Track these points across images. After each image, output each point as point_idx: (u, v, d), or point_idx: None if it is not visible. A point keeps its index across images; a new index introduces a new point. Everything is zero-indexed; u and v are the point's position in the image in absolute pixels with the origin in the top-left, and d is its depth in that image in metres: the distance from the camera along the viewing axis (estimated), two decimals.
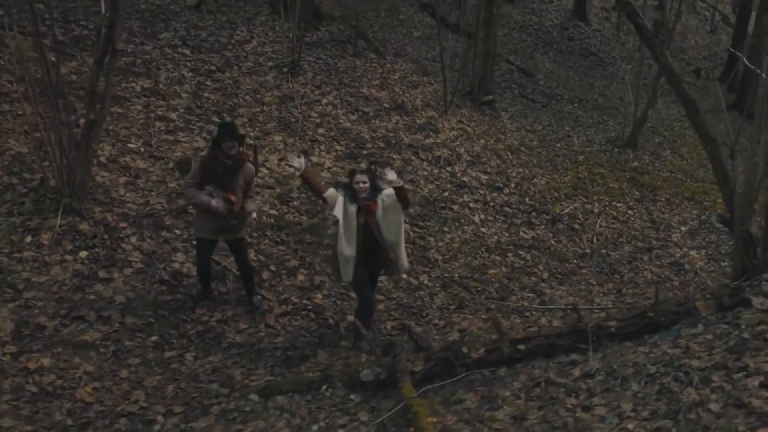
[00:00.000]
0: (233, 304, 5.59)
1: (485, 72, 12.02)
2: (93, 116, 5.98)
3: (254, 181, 5.53)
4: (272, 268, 6.17)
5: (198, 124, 7.88)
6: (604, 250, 8.05)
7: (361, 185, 4.88)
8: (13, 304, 4.88)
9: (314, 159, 8.03)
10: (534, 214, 8.66)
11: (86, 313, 5.00)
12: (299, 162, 4.99)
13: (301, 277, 6.16)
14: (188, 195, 5.15)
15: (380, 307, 5.96)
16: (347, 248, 4.89)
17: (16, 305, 4.89)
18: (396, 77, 10.84)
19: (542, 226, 8.41)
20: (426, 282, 6.53)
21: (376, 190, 4.95)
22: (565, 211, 8.92)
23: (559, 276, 7.17)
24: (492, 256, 7.41)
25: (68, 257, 5.49)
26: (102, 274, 5.46)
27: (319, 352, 5.00)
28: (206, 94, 8.50)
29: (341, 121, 9.01)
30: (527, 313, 5.90)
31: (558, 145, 11.82)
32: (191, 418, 4.10)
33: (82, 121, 7.21)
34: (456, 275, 6.75)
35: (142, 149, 7.16)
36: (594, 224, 8.76)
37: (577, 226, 8.58)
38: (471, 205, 8.37)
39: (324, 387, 4.18)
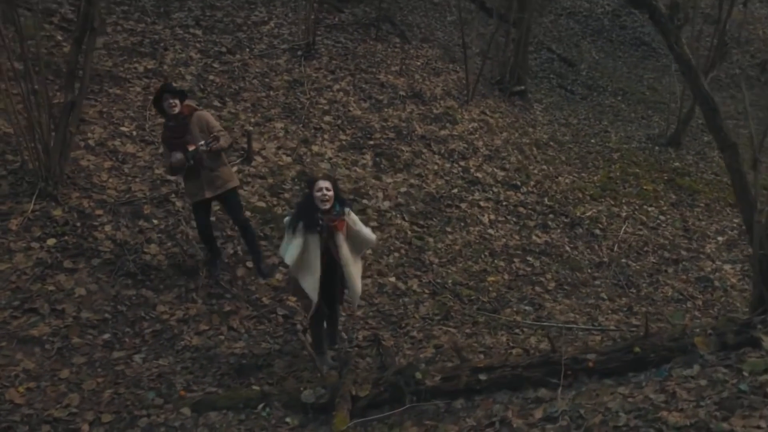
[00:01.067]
0: (200, 302, 5.28)
1: (518, 60, 11.31)
2: (71, 98, 5.74)
3: (214, 121, 5.41)
4: (249, 264, 5.83)
5: (198, 108, 7.58)
6: (624, 260, 7.36)
7: (325, 193, 4.16)
8: None
9: (315, 149, 7.63)
10: (551, 216, 8.02)
11: (40, 306, 4.78)
12: None
13: (278, 276, 5.80)
14: (163, 164, 5.33)
15: (358, 313, 5.54)
16: (313, 287, 4.23)
17: None
18: (418, 64, 10.29)
19: (558, 230, 7.77)
20: (415, 287, 6.07)
21: (341, 203, 4.31)
22: (587, 213, 8.23)
23: (567, 287, 6.56)
24: (495, 261, 6.86)
25: (35, 245, 5.29)
26: (67, 263, 5.24)
27: (276, 362, 4.63)
28: (211, 77, 8.21)
29: (351, 108, 8.57)
30: (517, 330, 5.36)
31: (592, 140, 11.03)
32: (116, 429, 3.81)
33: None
34: (450, 281, 6.25)
35: (134, 133, 6.93)
36: (618, 230, 8.05)
37: (597, 231, 7.90)
38: (481, 203, 7.80)
39: (261, 406, 3.81)
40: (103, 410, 4.00)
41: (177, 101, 5.15)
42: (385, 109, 8.80)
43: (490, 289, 6.27)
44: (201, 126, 5.23)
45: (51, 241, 5.35)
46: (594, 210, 8.39)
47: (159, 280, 5.39)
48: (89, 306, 4.94)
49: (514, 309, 5.88)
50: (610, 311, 6.00)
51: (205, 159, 5.19)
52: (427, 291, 6.06)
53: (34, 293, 4.88)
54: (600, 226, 8.03)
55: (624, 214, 8.57)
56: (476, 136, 9.09)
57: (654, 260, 7.48)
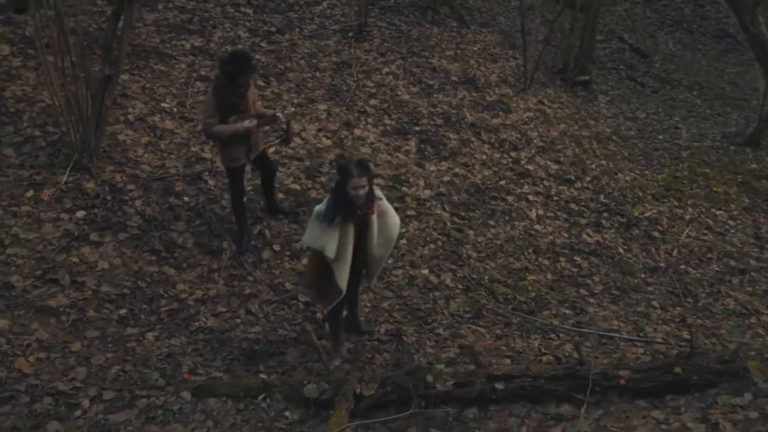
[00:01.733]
0: (221, 283, 5.14)
1: (583, 48, 10.66)
2: (107, 72, 5.70)
3: (256, 93, 5.61)
4: (276, 247, 5.66)
5: None
6: (683, 266, 6.75)
7: (360, 193, 3.83)
8: None
9: (357, 132, 7.38)
10: (606, 214, 7.47)
11: (61, 277, 4.76)
12: None
13: (305, 261, 5.59)
14: (218, 131, 5.10)
15: (384, 305, 5.27)
16: (344, 277, 4.05)
17: None
18: (475, 49, 9.83)
19: (612, 230, 7.22)
20: (448, 282, 5.73)
21: (372, 196, 4.00)
22: (646, 214, 7.62)
23: (615, 292, 6.06)
24: (539, 259, 6.42)
25: (64, 216, 5.29)
26: (93, 236, 5.21)
27: (290, 351, 4.43)
28: (258, 56, 8.08)
29: (399, 92, 8.25)
30: (552, 335, 4.95)
31: (660, 137, 10.28)
32: (115, 408, 3.70)
33: (123, 77, 7.09)
34: (486, 277, 5.87)
35: (174, 110, 6.88)
36: (679, 233, 7.41)
37: (656, 234, 7.29)
38: (530, 197, 7.34)
39: (261, 397, 3.60)
40: (107, 387, 3.90)
41: (251, 76, 5.30)
42: (435, 95, 8.44)
43: (530, 288, 5.85)
44: (252, 96, 5.34)
45: (80, 213, 5.34)
46: (654, 210, 7.76)
47: (182, 258, 5.29)
48: (110, 280, 4.88)
49: (553, 312, 5.45)
50: (660, 321, 5.47)
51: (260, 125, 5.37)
52: (460, 286, 5.71)
53: (57, 264, 4.86)
54: (659, 228, 7.42)
55: (688, 217, 7.90)
56: (531, 126, 8.59)
57: (717, 268, 6.83)
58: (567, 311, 5.46)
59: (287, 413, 3.48)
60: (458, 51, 9.49)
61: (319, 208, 4.05)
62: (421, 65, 8.91)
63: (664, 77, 12.76)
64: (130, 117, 6.54)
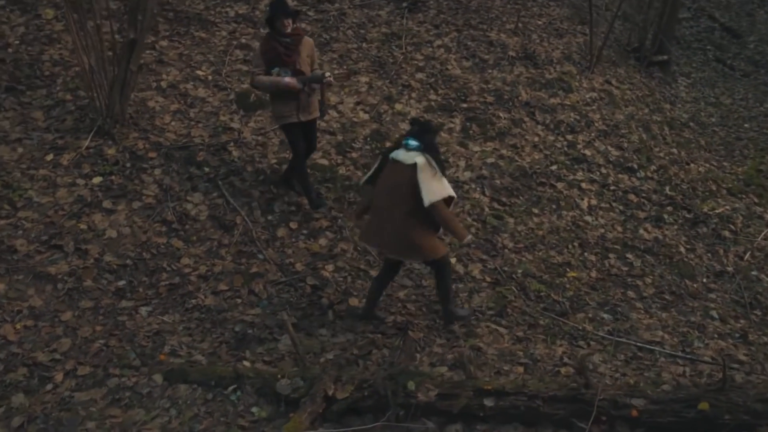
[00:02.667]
0: (228, 259, 4.90)
1: (662, 25, 9.64)
2: (133, 36, 5.52)
3: (316, 52, 5.44)
4: (292, 225, 5.35)
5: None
6: (755, 272, 5.92)
7: None
8: (1, 222, 4.70)
9: (398, 107, 6.93)
10: (669, 208, 6.68)
11: (66, 243, 4.65)
12: None
13: (322, 241, 5.26)
14: (261, 83, 5.05)
15: (400, 294, 4.86)
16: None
17: (5, 223, 4.69)
18: (540, 23, 9.07)
19: (675, 227, 6.45)
20: (476, 273, 5.23)
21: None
22: (718, 210, 6.76)
23: (669, 297, 5.36)
24: (585, 254, 5.79)
25: (80, 181, 5.19)
26: (106, 204, 5.08)
27: (283, 338, 4.11)
28: (303, 25, 7.74)
29: (449, 67, 7.70)
30: (581, 342, 4.38)
31: (747, 125, 9.21)
32: (85, 385, 3.51)
33: (161, 43, 6.96)
34: (520, 271, 5.33)
35: (209, 77, 6.68)
36: (756, 234, 6.53)
37: (727, 234, 6.45)
38: (583, 185, 6.66)
39: (231, 388, 3.31)
40: (85, 361, 3.74)
41: (290, 21, 5.04)
42: (489, 70, 7.82)
43: (568, 286, 5.26)
44: (308, 52, 5.20)
45: (97, 180, 5.23)
46: (728, 207, 6.87)
47: (193, 231, 5.08)
48: (114, 250, 4.73)
49: (589, 315, 4.86)
50: (716, 335, 4.76)
51: (311, 86, 5.18)
52: (488, 279, 5.20)
53: (65, 230, 4.76)
54: (732, 227, 6.56)
55: None
56: (593, 107, 7.82)
57: None
58: (606, 315, 4.85)
59: (255, 409, 3.17)
60: (520, 24, 8.78)
61: (426, 162, 4.09)
62: (477, 38, 8.30)
63: (758, 60, 11.44)
64: (163, 84, 6.38)
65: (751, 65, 11.33)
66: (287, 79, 4.98)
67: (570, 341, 4.39)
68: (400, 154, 4.19)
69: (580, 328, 4.60)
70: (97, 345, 3.90)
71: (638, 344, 4.35)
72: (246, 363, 3.75)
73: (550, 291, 5.15)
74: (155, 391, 3.41)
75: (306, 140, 5.39)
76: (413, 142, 4.20)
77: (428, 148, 4.21)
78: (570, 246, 5.86)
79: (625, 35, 9.96)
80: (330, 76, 5.18)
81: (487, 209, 6.05)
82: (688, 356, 4.17)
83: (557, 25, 9.17)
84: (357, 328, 4.37)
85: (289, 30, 5.01)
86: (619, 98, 8.24)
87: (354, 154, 6.26)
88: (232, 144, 5.99)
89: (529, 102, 7.51)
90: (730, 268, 5.98)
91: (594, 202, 6.52)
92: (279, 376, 3.25)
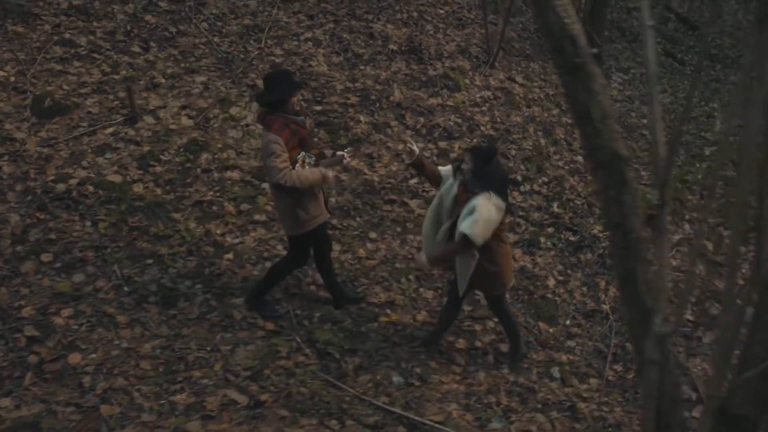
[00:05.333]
0: None
1: (594, 14, 8.52)
2: None
3: None
4: (45, 257, 4.33)
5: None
6: None
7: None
8: None
9: (234, 111, 5.89)
10: (550, 229, 5.56)
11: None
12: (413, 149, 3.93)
13: (77, 277, 4.24)
14: (305, 180, 3.83)
15: None
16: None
17: None
18: (441, 12, 7.97)
19: (552, 252, 5.34)
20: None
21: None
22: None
23: (505, 348, 4.24)
24: (421, 289, 4.72)
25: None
26: None
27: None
28: (147, 17, 6.74)
29: (314, 63, 6.64)
30: (344, 417, 3.27)
31: (683, 128, 7.99)
32: None
33: None
34: (317, 314, 4.25)
35: (11, 78, 5.70)
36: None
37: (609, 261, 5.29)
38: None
39: None
40: None
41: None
42: (361, 67, 6.75)
43: (373, 335, 4.17)
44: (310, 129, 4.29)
45: None
46: None
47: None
48: None
49: (377, 377, 3.75)
50: (536, 407, 3.63)
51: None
52: (270, 326, 4.12)
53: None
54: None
55: (677, 237, 5.81)
56: (483, 108, 6.71)
57: None
58: (396, 378, 3.74)
59: None
60: (415, 14, 7.69)
61: (483, 204, 3.55)
62: (356, 30, 7.23)
63: (714, 54, 10.23)
64: None
65: (707, 59, 10.12)
66: (325, 171, 3.91)
67: (331, 415, 3.29)
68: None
69: (360, 394, 3.51)
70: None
71: (407, 420, 3.25)
72: None
73: (344, 344, 4.05)
74: None
75: (327, 240, 4.27)
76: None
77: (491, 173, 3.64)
78: (403, 280, 4.77)
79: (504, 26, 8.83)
80: (347, 158, 4.22)
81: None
82: None
83: (462, 15, 8.07)
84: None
85: (298, 107, 3.98)
86: (520, 98, 7.11)
87: (158, 168, 5.23)
88: (6, 157, 5.01)
89: (401, 103, 6.42)
90: (606, 306, 4.85)
91: None
92: None
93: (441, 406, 3.45)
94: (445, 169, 4.02)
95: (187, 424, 3.32)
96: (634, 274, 1.66)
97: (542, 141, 6.63)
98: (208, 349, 3.92)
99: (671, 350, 1.63)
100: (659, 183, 1.62)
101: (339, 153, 4.26)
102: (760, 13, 1.45)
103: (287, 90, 3.86)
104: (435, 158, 5.95)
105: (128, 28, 6.56)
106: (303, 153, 3.94)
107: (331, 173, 3.91)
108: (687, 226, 6.06)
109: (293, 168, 3.84)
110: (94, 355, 3.80)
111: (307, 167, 3.94)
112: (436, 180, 4.01)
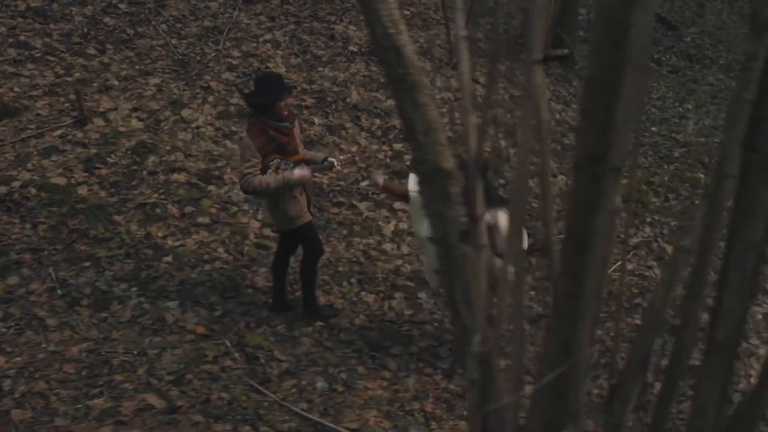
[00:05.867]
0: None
1: (565, 14, 8.45)
2: None
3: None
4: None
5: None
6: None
7: None
8: None
9: (185, 114, 5.85)
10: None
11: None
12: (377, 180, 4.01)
13: (11, 280, 4.18)
14: (264, 186, 3.85)
15: None
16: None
17: None
18: (406, 13, 7.92)
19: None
20: (192, 322, 4.10)
21: None
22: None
23: (445, 353, 4.17)
24: (363, 293, 4.64)
25: None
26: None
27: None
28: (107, 20, 6.72)
29: (272, 64, 6.60)
30: (258, 424, 3.21)
31: (654, 128, 7.96)
32: None
33: None
34: (252, 320, 4.19)
35: None
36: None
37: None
38: (397, 205, 5.50)
39: None
40: None
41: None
42: (320, 68, 6.70)
43: (305, 340, 4.10)
44: (298, 130, 4.21)
45: None
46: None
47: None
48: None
49: (303, 382, 3.68)
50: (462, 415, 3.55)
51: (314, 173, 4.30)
52: (201, 330, 4.07)
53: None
54: None
55: (636, 240, 5.73)
56: (442, 110, 6.64)
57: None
58: (320, 384, 3.67)
59: None
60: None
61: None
62: (317, 32, 7.18)
63: (693, 54, 10.15)
64: None
65: (684, 60, 10.05)
66: (298, 172, 3.92)
67: (246, 421, 3.23)
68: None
69: (269, 402, 3.44)
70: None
71: (322, 427, 3.18)
72: None
73: (273, 348, 3.99)
74: None
75: (314, 240, 4.24)
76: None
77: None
78: (345, 283, 4.70)
79: (519, 27, 8.76)
80: (337, 163, 4.22)
81: (252, 236, 4.92)
82: None
83: (428, 15, 8.02)
84: None
85: (286, 112, 3.97)
86: (483, 99, 7.03)
87: (104, 171, 5.19)
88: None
89: (358, 105, 6.37)
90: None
91: (404, 226, 5.35)
92: None
93: (361, 412, 3.38)
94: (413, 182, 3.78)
95: (100, 429, 3.26)
96: (453, 291, 1.59)
97: (502, 143, 6.55)
98: (135, 352, 3.86)
99: (496, 370, 1.54)
100: (470, 199, 1.55)
101: (330, 159, 4.21)
102: (757, 22, 1.37)
103: (274, 95, 3.86)
104: (389, 160, 5.89)
105: (85, 30, 6.54)
106: (278, 159, 3.92)
107: (299, 172, 3.89)
108: (648, 229, 5.97)
109: (264, 173, 3.84)
110: (18, 359, 3.75)
111: (281, 173, 3.90)
112: (407, 197, 3.92)
